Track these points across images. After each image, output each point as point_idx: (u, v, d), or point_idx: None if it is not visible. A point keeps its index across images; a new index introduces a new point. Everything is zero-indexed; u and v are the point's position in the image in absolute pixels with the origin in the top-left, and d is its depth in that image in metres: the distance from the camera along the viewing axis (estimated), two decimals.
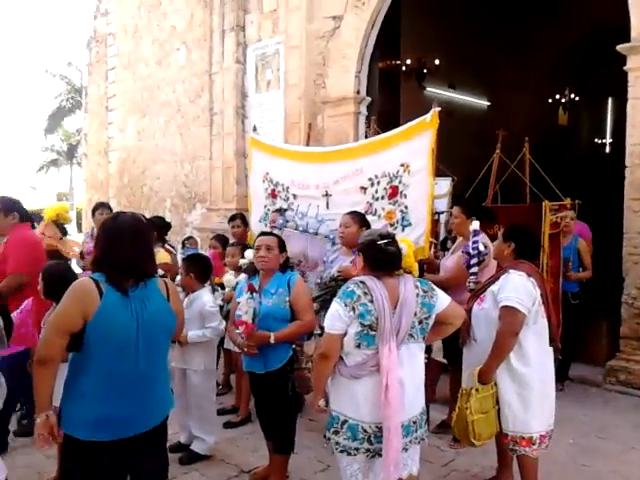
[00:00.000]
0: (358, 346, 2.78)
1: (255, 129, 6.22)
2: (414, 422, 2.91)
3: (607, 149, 16.08)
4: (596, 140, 15.77)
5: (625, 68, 5.54)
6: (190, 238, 7.73)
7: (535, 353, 3.42)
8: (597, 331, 5.86)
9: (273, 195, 5.61)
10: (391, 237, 3.00)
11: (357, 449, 2.81)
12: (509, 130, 11.12)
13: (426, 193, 4.53)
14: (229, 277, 4.83)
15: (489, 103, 12.25)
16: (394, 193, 4.70)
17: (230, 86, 9.16)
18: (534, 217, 4.92)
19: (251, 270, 4.90)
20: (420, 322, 2.85)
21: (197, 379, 4.29)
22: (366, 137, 7.03)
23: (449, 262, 4.56)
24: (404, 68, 9.69)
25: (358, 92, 7.84)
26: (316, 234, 5.21)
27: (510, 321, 3.30)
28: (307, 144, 6.81)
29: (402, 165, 4.64)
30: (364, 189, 4.83)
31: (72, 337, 2.31)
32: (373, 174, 4.77)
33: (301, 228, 5.31)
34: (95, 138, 12.96)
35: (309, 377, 3.86)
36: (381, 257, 2.89)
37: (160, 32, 10.81)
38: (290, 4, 8.28)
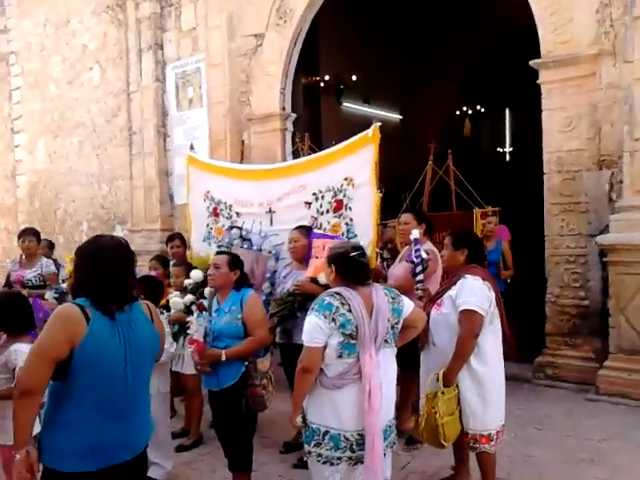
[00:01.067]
0: (340, 356, 2.84)
1: (192, 147, 6.15)
2: (389, 426, 3.01)
3: (507, 157, 17.06)
4: (498, 149, 16.67)
5: (538, 82, 5.93)
6: None
7: (492, 352, 3.61)
8: (523, 329, 6.20)
9: (215, 213, 5.58)
10: (361, 249, 3.10)
11: (339, 458, 2.87)
12: (419, 142, 11.63)
13: (370, 205, 4.67)
14: (176, 299, 4.75)
15: (401, 117, 12.73)
16: (339, 206, 4.81)
17: (150, 104, 9.02)
18: (465, 224, 5.18)
19: (197, 291, 4.89)
20: (392, 327, 2.96)
21: (151, 403, 4.19)
22: (299, 153, 7.12)
23: (397, 270, 4.71)
24: (322, 84, 9.89)
25: (283, 108, 7.96)
26: (260, 250, 5.23)
27: (470, 324, 3.46)
28: (241, 161, 6.81)
29: (346, 179, 4.76)
30: (308, 204, 4.91)
31: (57, 365, 2.23)
32: (317, 189, 4.86)
33: (246, 245, 5.31)
34: (0, 162, 12.31)
35: (263, 394, 3.87)
36: (354, 268, 2.97)
37: (70, 51, 10.47)
38: (210, 23, 8.30)
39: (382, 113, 12.12)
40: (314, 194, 4.89)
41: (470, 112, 13.74)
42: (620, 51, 5.43)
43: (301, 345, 4.30)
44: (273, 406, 3.81)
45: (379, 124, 4.72)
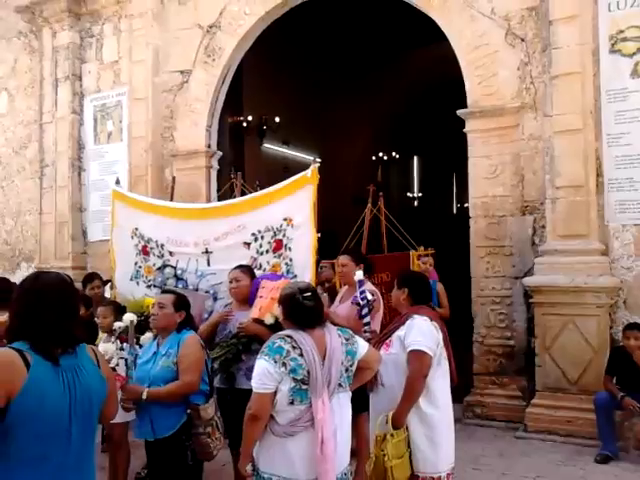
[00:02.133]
0: (292, 402, 2.72)
1: (118, 182, 5.92)
2: (344, 474, 2.92)
3: (416, 202, 17.71)
4: (408, 194, 17.28)
5: (464, 130, 6.23)
6: None
7: (441, 394, 3.61)
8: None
9: (145, 252, 5.34)
10: (311, 290, 3.02)
11: None
12: (337, 184, 11.84)
13: (309, 245, 4.67)
14: (108, 345, 4.42)
15: (320, 160, 12.91)
16: (278, 247, 4.76)
17: (65, 136, 8.62)
18: (403, 264, 5.27)
19: (126, 334, 4.61)
20: (346, 370, 2.89)
21: None
22: (227, 191, 7.01)
23: (341, 311, 4.67)
24: (245, 124, 9.88)
25: (209, 146, 7.85)
26: (196, 290, 5.05)
27: (419, 365, 3.45)
28: (171, 198, 6.61)
29: (285, 219, 4.73)
30: (247, 244, 4.82)
31: None
32: (256, 229, 4.79)
33: (181, 285, 5.11)
34: None
35: (208, 442, 3.68)
36: (299, 311, 2.87)
37: None
38: (134, 57, 8.11)
39: (301, 155, 12.29)
40: (253, 234, 4.82)
41: (385, 158, 14.17)
42: (540, 106, 5.82)
43: (245, 390, 4.21)
44: None
45: (317, 165, 4.77)
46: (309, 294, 2.91)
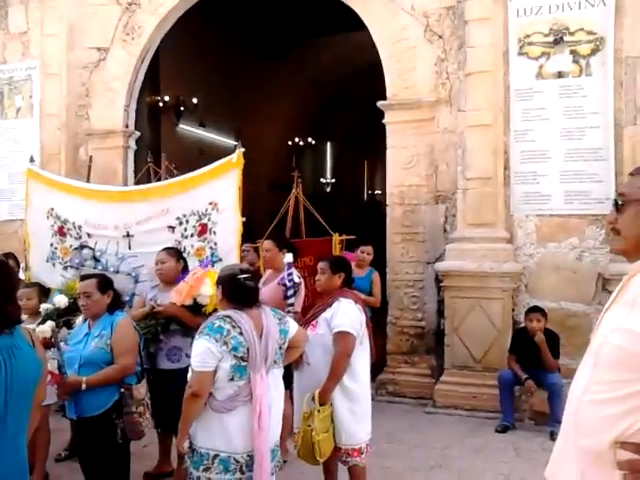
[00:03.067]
0: (232, 379, 2.84)
1: (32, 160, 5.69)
2: (276, 446, 3.09)
3: (328, 188, 18.01)
4: (321, 180, 17.54)
5: (383, 121, 6.48)
6: None
7: (362, 370, 3.84)
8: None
9: (61, 233, 5.21)
10: (250, 272, 3.15)
11: None
12: (253, 169, 11.84)
13: (234, 229, 4.75)
14: (43, 328, 4.31)
15: (236, 143, 12.88)
16: (203, 230, 4.80)
17: None
18: (326, 249, 5.47)
19: (58, 317, 4.52)
20: (280, 348, 3.05)
21: None
22: (146, 172, 6.92)
23: (265, 293, 4.78)
24: (162, 105, 9.71)
25: (127, 126, 7.69)
26: (117, 272, 5.00)
27: (345, 345, 3.66)
28: (88, 179, 6.43)
29: (210, 203, 4.77)
30: (172, 228, 4.81)
31: None
32: (181, 213, 4.79)
33: (100, 267, 5.04)
34: None
35: (140, 421, 3.73)
36: (241, 291, 3.00)
37: None
38: (46, 29, 7.77)
39: (218, 138, 12.21)
40: (178, 218, 4.82)
41: (301, 143, 14.32)
42: (455, 101, 6.16)
43: (166, 370, 4.27)
44: None
45: (242, 150, 4.85)
46: (249, 275, 3.04)
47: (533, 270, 5.91)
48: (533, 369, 5.36)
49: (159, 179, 6.46)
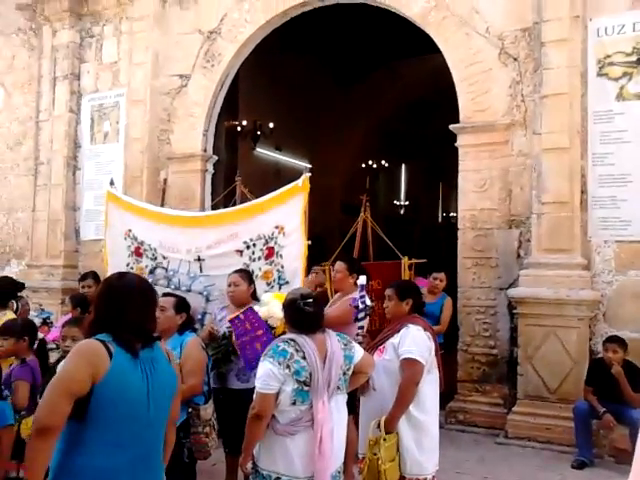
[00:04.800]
0: (294, 403, 2.88)
1: (112, 183, 6.02)
2: (338, 472, 3.08)
3: (402, 210, 17.89)
4: (395, 202, 17.46)
5: (456, 144, 6.43)
6: (20, 298, 7.06)
7: (431, 400, 3.78)
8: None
9: (138, 253, 5.46)
10: (312, 297, 3.18)
11: None
12: (327, 192, 11.98)
13: (300, 252, 4.85)
14: None
15: (310, 165, 13.09)
16: (270, 254, 4.92)
17: (61, 135, 8.70)
18: (395, 273, 5.45)
19: None
20: (344, 374, 3.05)
21: None
22: (231, 195, 7.11)
23: (332, 312, 4.80)
24: (240, 129, 10.02)
25: (205, 150, 7.98)
26: (189, 291, 5.18)
27: (412, 372, 3.60)
28: (162, 201, 6.72)
29: (277, 227, 4.90)
30: (240, 252, 4.97)
31: (75, 403, 2.10)
32: (248, 237, 4.94)
33: (173, 286, 5.24)
34: None
35: (206, 442, 3.83)
36: (299, 317, 3.04)
37: None
38: (134, 59, 8.22)
39: (292, 161, 12.44)
40: (245, 242, 4.97)
41: (375, 166, 14.36)
42: (530, 123, 6.03)
43: (236, 390, 4.35)
44: None
45: (309, 174, 4.93)
46: (310, 300, 3.08)
47: (612, 298, 5.66)
48: (612, 403, 5.10)
49: (235, 202, 6.65)
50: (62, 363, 2.25)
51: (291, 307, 3.08)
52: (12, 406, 3.81)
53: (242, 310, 4.23)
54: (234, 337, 4.22)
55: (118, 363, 2.17)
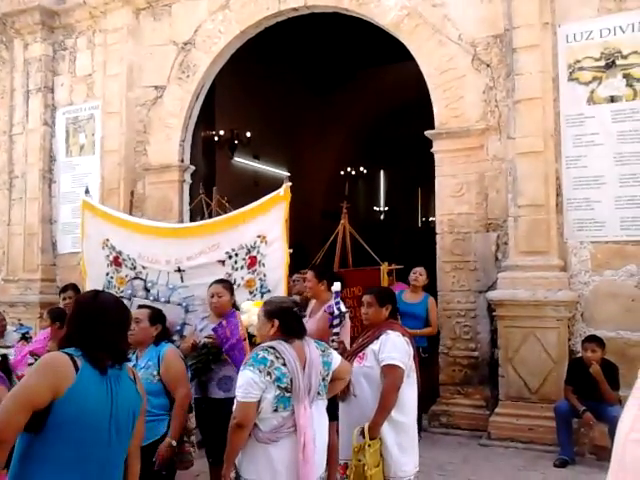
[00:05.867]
0: (275, 410, 2.87)
1: (87, 192, 5.96)
2: (322, 478, 3.09)
3: (382, 216, 18.01)
4: (375, 208, 17.57)
5: (432, 150, 6.50)
6: None
7: (409, 403, 3.80)
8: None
9: (117, 263, 5.41)
10: (299, 305, 3.23)
11: None
12: (306, 199, 11.99)
13: (282, 261, 4.86)
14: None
15: (288, 173, 13.12)
16: (253, 263, 4.92)
17: (36, 148, 8.63)
18: (375, 279, 5.48)
19: None
20: (323, 379, 3.07)
21: None
22: (199, 205, 7.13)
23: (311, 323, 4.82)
24: (217, 139, 10.02)
25: (182, 160, 7.96)
26: (168, 302, 5.15)
27: (394, 378, 3.63)
28: (130, 212, 6.67)
29: (259, 236, 4.90)
30: (222, 262, 4.95)
31: (33, 415, 2.07)
32: (230, 248, 4.92)
33: (152, 297, 5.21)
34: None
35: (191, 451, 3.82)
36: (296, 323, 3.08)
37: None
38: (108, 71, 8.19)
39: (271, 169, 12.46)
40: (227, 252, 4.95)
41: (353, 172, 14.43)
42: (504, 128, 6.12)
43: (218, 399, 4.35)
44: None
45: (290, 184, 4.96)
46: (299, 307, 3.17)
47: (589, 298, 5.75)
48: (592, 401, 5.18)
49: (211, 212, 6.65)
50: (26, 373, 2.22)
51: (288, 314, 3.08)
52: None
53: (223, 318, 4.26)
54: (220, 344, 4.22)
55: (83, 378, 2.15)
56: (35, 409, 2.07)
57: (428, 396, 6.42)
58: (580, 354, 5.45)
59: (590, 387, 5.17)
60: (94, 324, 2.25)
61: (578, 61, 5.87)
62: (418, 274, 6.18)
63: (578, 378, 5.30)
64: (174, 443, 3.55)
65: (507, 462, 5.32)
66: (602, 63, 5.81)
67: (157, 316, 3.91)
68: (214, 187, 6.81)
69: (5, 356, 4.30)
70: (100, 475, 2.20)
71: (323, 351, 3.12)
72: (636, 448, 1.50)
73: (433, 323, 6.05)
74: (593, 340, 5.29)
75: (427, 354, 6.00)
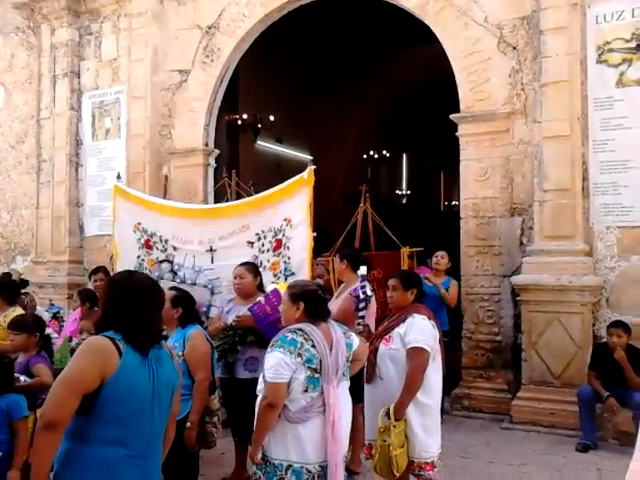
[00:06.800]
0: (306, 390, 2.93)
1: (119, 177, 6.07)
2: (345, 457, 3.16)
3: (404, 200, 17.92)
4: (397, 191, 17.49)
5: (457, 134, 6.46)
6: (26, 294, 7.13)
7: (435, 385, 3.86)
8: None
9: (148, 246, 5.52)
10: (322, 288, 3.27)
11: None
12: (329, 182, 12.00)
13: (305, 244, 4.91)
14: None
15: (311, 157, 13.11)
16: (278, 246, 4.99)
17: (62, 133, 8.73)
18: (395, 263, 5.50)
19: None
20: (347, 360, 3.13)
21: None
22: (223, 188, 7.17)
23: (335, 305, 4.87)
24: (240, 123, 10.05)
25: (207, 144, 8.01)
26: (194, 284, 5.24)
27: (419, 361, 3.67)
28: (164, 196, 6.75)
29: (285, 220, 4.96)
30: (251, 243, 5.03)
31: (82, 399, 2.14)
32: (260, 229, 5.01)
33: (178, 280, 5.30)
34: None
35: (213, 432, 3.90)
36: (321, 306, 3.13)
37: None
38: (133, 55, 8.24)
39: (294, 153, 12.47)
40: (257, 234, 5.04)
41: (376, 156, 14.38)
42: (530, 112, 6.06)
43: (244, 379, 4.42)
44: None
45: (313, 167, 4.98)
46: (322, 290, 3.20)
47: (615, 283, 5.71)
48: (616, 387, 5.16)
49: (235, 195, 6.71)
50: (72, 358, 2.28)
51: (314, 297, 3.13)
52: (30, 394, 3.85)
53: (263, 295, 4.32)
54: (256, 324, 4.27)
55: (127, 362, 2.20)
56: (85, 393, 2.13)
57: (451, 380, 6.48)
58: (604, 339, 5.43)
59: (614, 373, 5.15)
60: (130, 304, 2.30)
61: (608, 42, 5.77)
62: (440, 257, 6.20)
63: (602, 363, 5.28)
64: (188, 424, 3.61)
65: (529, 446, 5.34)
66: (633, 44, 5.71)
67: (179, 299, 3.96)
68: (233, 170, 6.83)
69: (48, 336, 4.44)
70: (146, 449, 2.27)
71: (344, 333, 3.18)
72: None
73: (452, 294, 6.06)
74: (619, 325, 5.26)
75: (448, 338, 6.01)
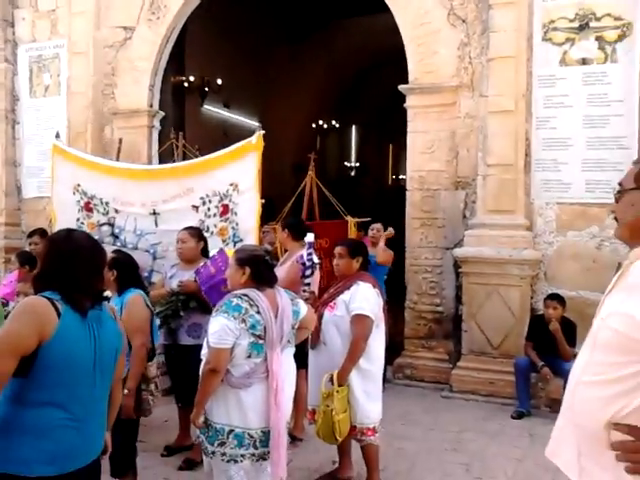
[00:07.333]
0: (249, 356, 2.92)
1: (58, 136, 5.82)
2: (288, 423, 3.18)
3: (353, 172, 17.95)
4: (345, 163, 17.49)
5: (405, 105, 6.47)
6: None
7: (377, 352, 3.93)
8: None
9: (88, 208, 5.36)
10: (270, 253, 3.24)
11: (243, 455, 2.94)
12: (277, 150, 11.89)
13: (254, 210, 4.87)
14: None
15: (259, 124, 12.90)
16: (225, 211, 4.92)
17: None
18: (341, 232, 5.52)
19: None
20: (292, 327, 3.13)
21: None
22: (170, 150, 6.99)
23: (281, 272, 4.85)
24: (187, 85, 9.78)
25: (151, 105, 7.78)
26: (135, 249, 5.12)
27: (363, 328, 3.74)
28: (117, 159, 6.52)
29: (231, 184, 4.89)
30: (196, 207, 4.94)
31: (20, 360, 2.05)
32: (204, 193, 4.92)
33: (119, 243, 5.17)
34: None
35: (149, 399, 3.83)
36: (267, 271, 3.10)
37: None
38: (73, 7, 7.86)
39: (241, 118, 12.25)
40: (201, 198, 4.96)
41: (325, 126, 14.29)
42: (477, 86, 6.12)
43: (187, 346, 4.38)
44: None
45: (262, 132, 4.92)
46: (270, 256, 3.18)
47: (552, 258, 5.90)
48: (550, 357, 5.37)
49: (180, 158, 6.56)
50: (7, 319, 2.19)
51: (260, 262, 3.09)
52: None
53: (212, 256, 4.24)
54: (200, 286, 4.19)
55: (66, 322, 2.12)
56: (22, 355, 2.05)
57: (393, 349, 6.60)
58: (541, 312, 5.62)
59: (549, 343, 5.35)
60: (69, 263, 2.20)
61: (552, 21, 5.86)
62: (376, 230, 6.24)
63: (538, 334, 5.48)
64: (126, 392, 3.55)
65: (467, 413, 5.52)
66: (576, 24, 5.81)
67: (115, 261, 3.80)
68: (180, 133, 6.67)
69: None
70: (85, 414, 2.21)
71: (292, 300, 3.17)
72: (585, 389, 1.57)
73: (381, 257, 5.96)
74: (555, 298, 5.46)
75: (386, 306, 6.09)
